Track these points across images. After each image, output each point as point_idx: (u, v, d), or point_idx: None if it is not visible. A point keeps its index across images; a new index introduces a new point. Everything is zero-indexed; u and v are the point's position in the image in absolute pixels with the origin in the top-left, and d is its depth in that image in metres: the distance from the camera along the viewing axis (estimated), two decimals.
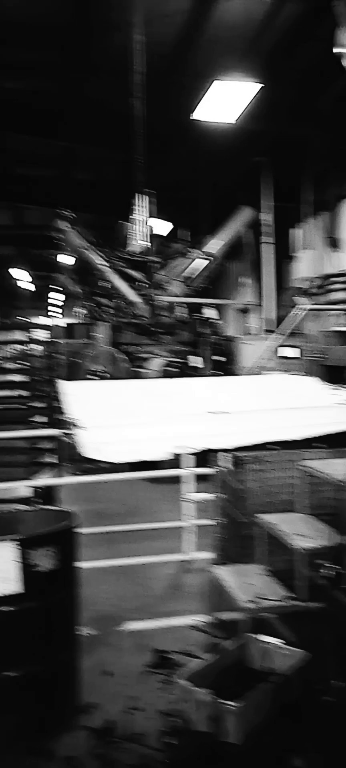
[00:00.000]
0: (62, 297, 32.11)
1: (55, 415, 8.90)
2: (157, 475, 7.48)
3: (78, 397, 3.64)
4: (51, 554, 3.67)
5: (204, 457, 5.79)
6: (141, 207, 10.58)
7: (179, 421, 3.49)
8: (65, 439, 9.53)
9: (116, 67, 11.48)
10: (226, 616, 4.53)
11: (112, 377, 11.11)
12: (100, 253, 12.73)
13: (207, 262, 13.23)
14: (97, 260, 12.68)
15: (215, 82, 8.25)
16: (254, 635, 3.80)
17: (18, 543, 3.59)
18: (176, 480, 7.00)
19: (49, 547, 3.67)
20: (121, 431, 3.24)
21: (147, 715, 3.74)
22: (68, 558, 3.83)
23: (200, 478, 6.31)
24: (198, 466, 6.28)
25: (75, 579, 3.90)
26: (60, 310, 36.19)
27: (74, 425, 2.95)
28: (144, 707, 3.80)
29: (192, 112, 9.45)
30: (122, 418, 3.50)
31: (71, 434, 3.07)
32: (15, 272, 29.84)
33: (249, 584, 4.31)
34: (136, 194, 10.46)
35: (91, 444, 2.90)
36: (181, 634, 4.63)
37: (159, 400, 3.89)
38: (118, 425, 3.31)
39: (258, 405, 3.52)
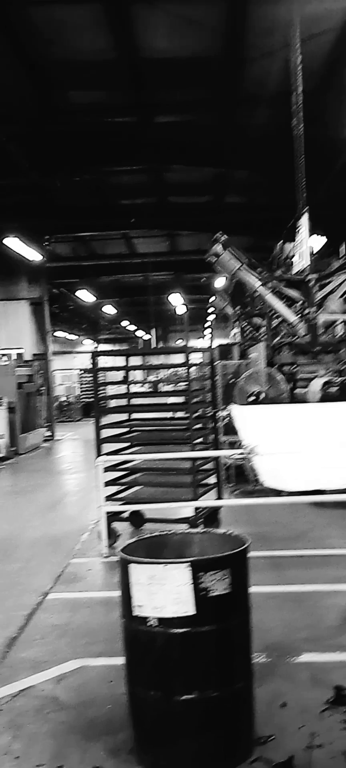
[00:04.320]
0: (217, 319, 32.53)
1: (215, 437, 8.95)
2: (323, 500, 7.21)
3: (250, 422, 3.56)
4: (224, 578, 3.61)
5: None
6: (299, 225, 10.39)
7: None
8: (242, 464, 9.53)
9: (269, 91, 11.55)
10: None
11: (271, 398, 10.93)
12: (256, 274, 12.66)
13: None
14: (253, 281, 12.63)
15: None
16: None
17: (190, 566, 3.57)
18: (342, 504, 6.70)
19: (222, 571, 3.61)
20: (297, 458, 3.10)
21: (328, 753, 3.53)
22: (240, 582, 3.75)
23: None
24: None
25: (247, 604, 3.81)
26: (215, 332, 36.63)
27: (251, 451, 2.87)
28: (324, 745, 3.59)
29: None
30: (297, 444, 3.35)
31: (248, 460, 3.00)
32: (172, 297, 30.77)
33: None
34: (296, 213, 10.32)
35: (268, 472, 2.80)
36: None
37: (333, 425, 3.69)
38: (293, 452, 3.17)
39: None
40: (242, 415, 3.39)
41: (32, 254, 19.53)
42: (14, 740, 3.91)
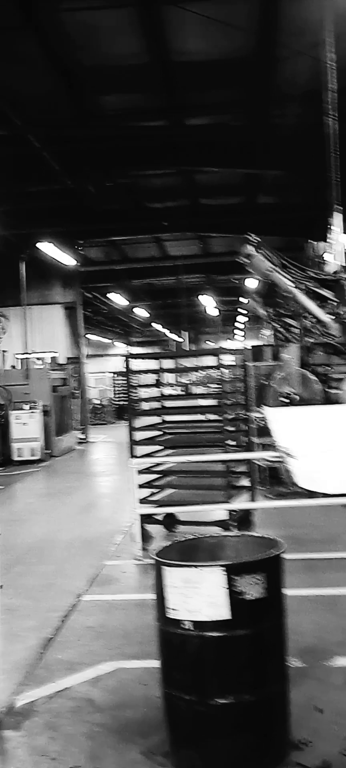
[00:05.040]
0: (249, 320, 32.33)
1: (248, 439, 8.91)
2: None
3: (285, 424, 3.55)
4: (259, 582, 3.60)
5: None
6: (332, 224, 10.30)
7: None
8: (276, 466, 9.51)
9: (301, 89, 11.46)
10: None
11: (305, 400, 10.84)
12: (288, 274, 12.56)
13: None
14: (285, 281, 12.53)
15: None
16: None
17: (225, 569, 3.57)
18: None
19: (256, 575, 3.61)
20: (332, 460, 3.08)
21: None
22: (275, 586, 3.74)
23: None
24: None
25: (282, 608, 3.79)
26: (247, 333, 36.46)
27: (286, 454, 2.86)
28: None
29: None
30: (332, 445, 3.33)
31: (283, 463, 3.00)
32: (203, 299, 30.76)
33: None
34: (329, 212, 10.23)
35: (304, 474, 2.79)
36: None
37: None
38: (329, 454, 3.15)
39: None
40: (275, 417, 3.38)
41: (66, 259, 19.74)
42: (51, 741, 3.96)
